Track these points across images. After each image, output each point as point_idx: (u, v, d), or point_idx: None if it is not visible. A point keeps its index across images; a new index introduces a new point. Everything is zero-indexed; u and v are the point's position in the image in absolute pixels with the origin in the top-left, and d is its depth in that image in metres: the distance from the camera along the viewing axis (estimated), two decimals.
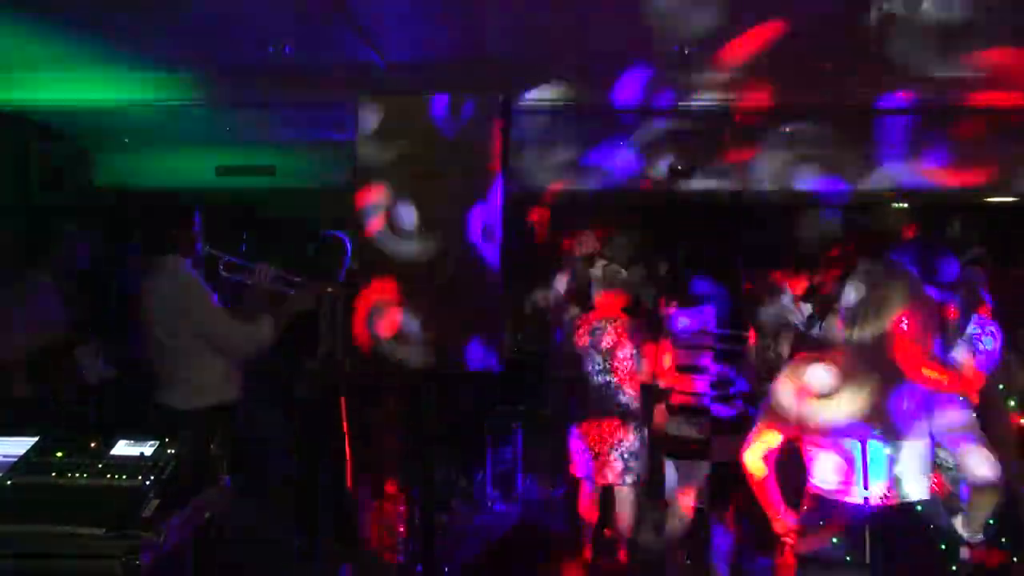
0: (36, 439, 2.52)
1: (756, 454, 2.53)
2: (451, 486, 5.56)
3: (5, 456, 2.46)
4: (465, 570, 4.49)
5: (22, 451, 2.47)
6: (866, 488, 2.29)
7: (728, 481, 3.84)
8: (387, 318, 3.00)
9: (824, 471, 2.37)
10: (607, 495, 4.31)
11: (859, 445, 2.29)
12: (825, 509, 2.37)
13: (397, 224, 3.05)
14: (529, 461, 5.51)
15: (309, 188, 8.04)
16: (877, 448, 2.29)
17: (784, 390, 2.42)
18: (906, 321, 2.29)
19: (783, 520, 2.53)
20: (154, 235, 3.55)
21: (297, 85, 5.39)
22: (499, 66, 4.93)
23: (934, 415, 2.28)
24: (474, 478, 5.71)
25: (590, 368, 4.15)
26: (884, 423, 2.28)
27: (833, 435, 2.33)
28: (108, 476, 2.35)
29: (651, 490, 4.23)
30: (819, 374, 2.35)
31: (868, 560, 2.27)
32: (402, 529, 4.61)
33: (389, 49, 4.75)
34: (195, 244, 3.53)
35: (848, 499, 2.32)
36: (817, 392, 2.35)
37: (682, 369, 3.90)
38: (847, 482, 2.32)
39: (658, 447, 4.06)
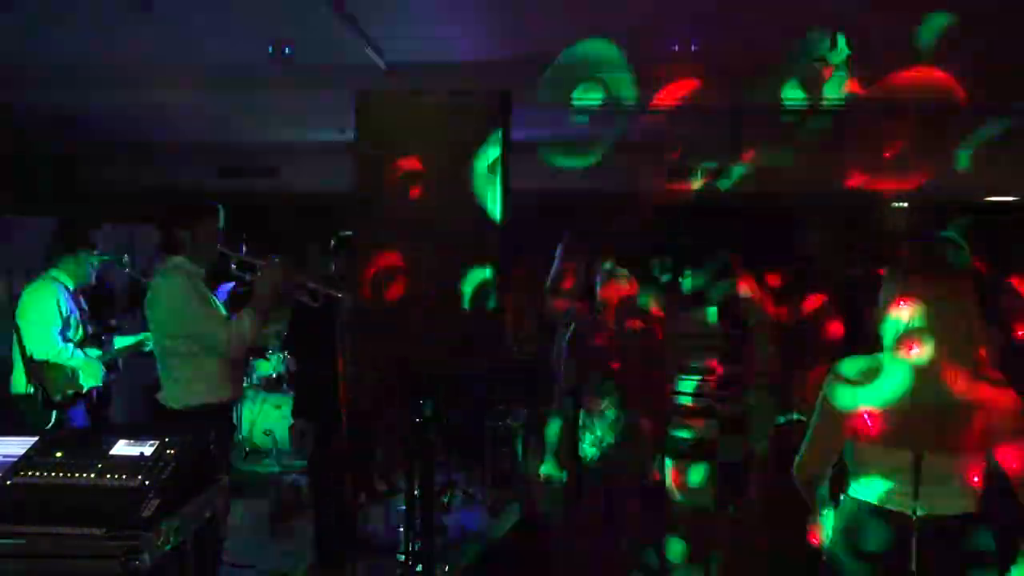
0: (36, 439, 2.52)
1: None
2: (451, 486, 5.56)
3: (5, 456, 2.46)
4: (466, 570, 4.48)
5: (22, 451, 2.47)
6: (916, 499, 2.20)
7: (732, 481, 3.84)
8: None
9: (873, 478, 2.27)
10: (609, 494, 4.30)
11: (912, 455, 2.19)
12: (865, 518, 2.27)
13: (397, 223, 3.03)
14: (529, 460, 5.50)
15: (309, 189, 8.06)
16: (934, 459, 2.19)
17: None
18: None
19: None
20: (163, 236, 3.56)
21: (297, 85, 5.39)
22: (499, 66, 4.92)
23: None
24: (474, 478, 5.71)
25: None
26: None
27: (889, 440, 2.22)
28: (108, 476, 2.34)
29: (653, 490, 4.22)
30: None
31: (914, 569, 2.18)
32: (402, 529, 4.60)
33: (389, 49, 4.75)
34: (206, 244, 3.52)
35: (895, 509, 2.23)
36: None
37: (685, 368, 3.90)
38: (896, 492, 2.23)
39: (660, 447, 4.06)
